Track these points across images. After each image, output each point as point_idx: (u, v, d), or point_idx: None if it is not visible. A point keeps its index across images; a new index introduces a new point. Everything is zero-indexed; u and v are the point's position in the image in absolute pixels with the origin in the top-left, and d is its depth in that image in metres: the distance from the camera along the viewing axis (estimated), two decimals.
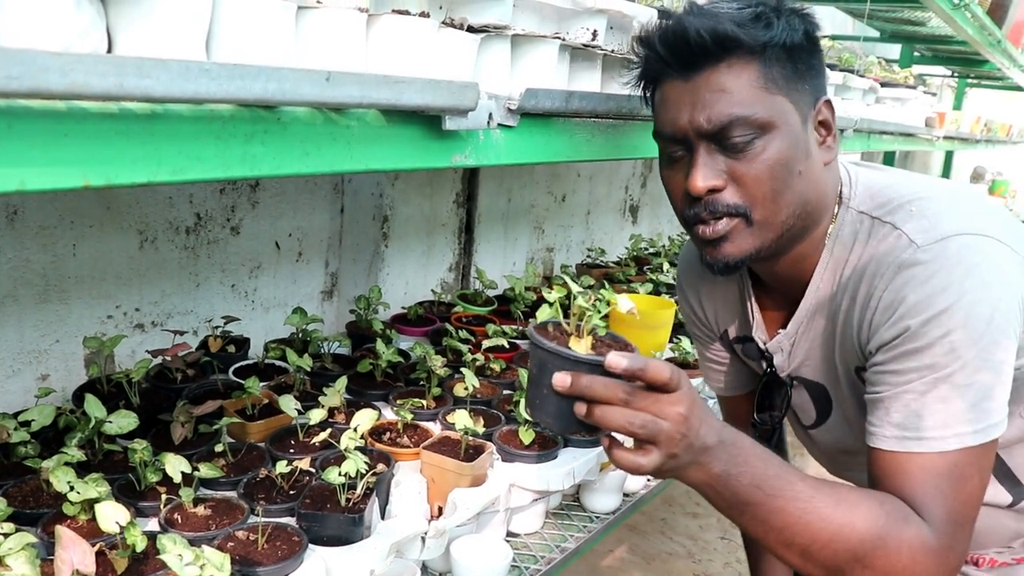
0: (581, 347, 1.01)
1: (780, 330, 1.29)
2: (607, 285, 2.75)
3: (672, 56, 1.12)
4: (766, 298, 1.35)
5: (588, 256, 3.43)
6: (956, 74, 8.64)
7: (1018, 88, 8.82)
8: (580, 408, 0.97)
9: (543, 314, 1.10)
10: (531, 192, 3.37)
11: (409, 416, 1.68)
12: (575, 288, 1.08)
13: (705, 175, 1.11)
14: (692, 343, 1.60)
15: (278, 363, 1.98)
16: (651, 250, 3.70)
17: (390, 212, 2.67)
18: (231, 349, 1.99)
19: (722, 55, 1.09)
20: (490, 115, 1.19)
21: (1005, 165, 12.03)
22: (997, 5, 5.23)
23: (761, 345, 1.34)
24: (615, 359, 0.94)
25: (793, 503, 1.00)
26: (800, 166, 1.12)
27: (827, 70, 1.20)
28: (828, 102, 1.17)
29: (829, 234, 1.20)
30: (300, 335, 2.09)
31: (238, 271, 2.42)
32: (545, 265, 3.64)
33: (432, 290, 2.75)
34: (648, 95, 1.22)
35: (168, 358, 1.81)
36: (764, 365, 1.36)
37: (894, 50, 7.20)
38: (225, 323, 2.05)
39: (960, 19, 4.12)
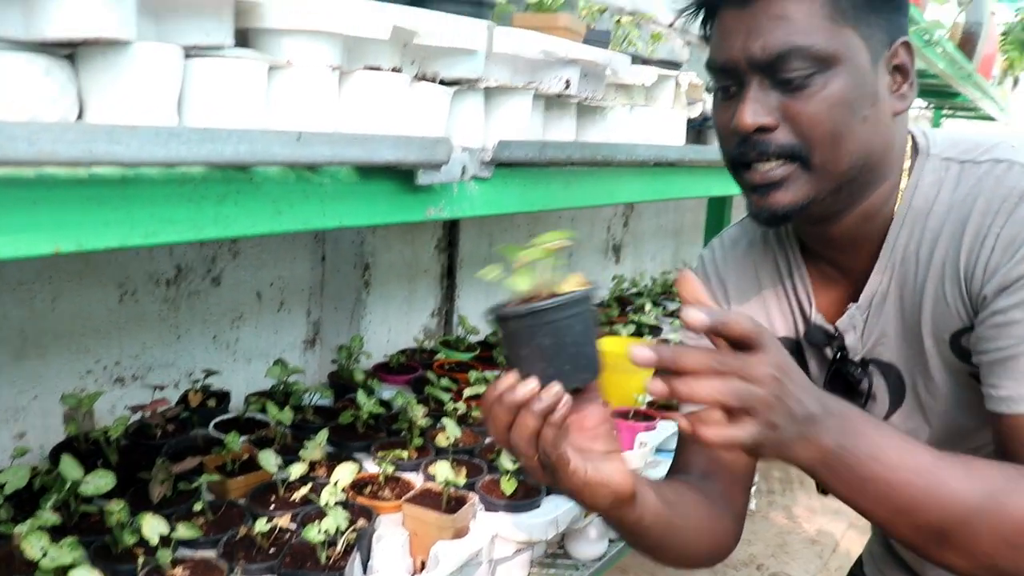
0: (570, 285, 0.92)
1: (851, 304, 1.12)
2: None
3: None
4: (818, 274, 1.18)
5: None
6: (931, 105, 8.77)
7: (991, 118, 8.96)
8: (657, 386, 0.82)
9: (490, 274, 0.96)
10: (513, 235, 3.38)
11: (390, 469, 1.67)
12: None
13: (755, 111, 0.98)
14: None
15: (259, 416, 1.97)
16: (634, 290, 3.71)
17: (371, 259, 2.67)
18: (211, 403, 1.98)
19: None
20: (463, 168, 1.19)
21: None
22: (966, 39, 5.33)
23: (827, 326, 1.16)
24: (695, 315, 0.82)
25: (919, 476, 0.87)
26: (866, 110, 0.99)
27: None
28: (907, 44, 1.03)
29: (906, 187, 1.07)
30: (282, 387, 2.08)
31: (219, 322, 2.41)
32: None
33: (415, 337, 2.75)
34: (706, 26, 1.08)
35: (147, 414, 1.79)
36: (831, 352, 1.17)
37: None
38: (205, 376, 2.03)
39: (931, 54, 4.19)
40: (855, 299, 1.12)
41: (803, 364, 1.21)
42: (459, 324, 2.72)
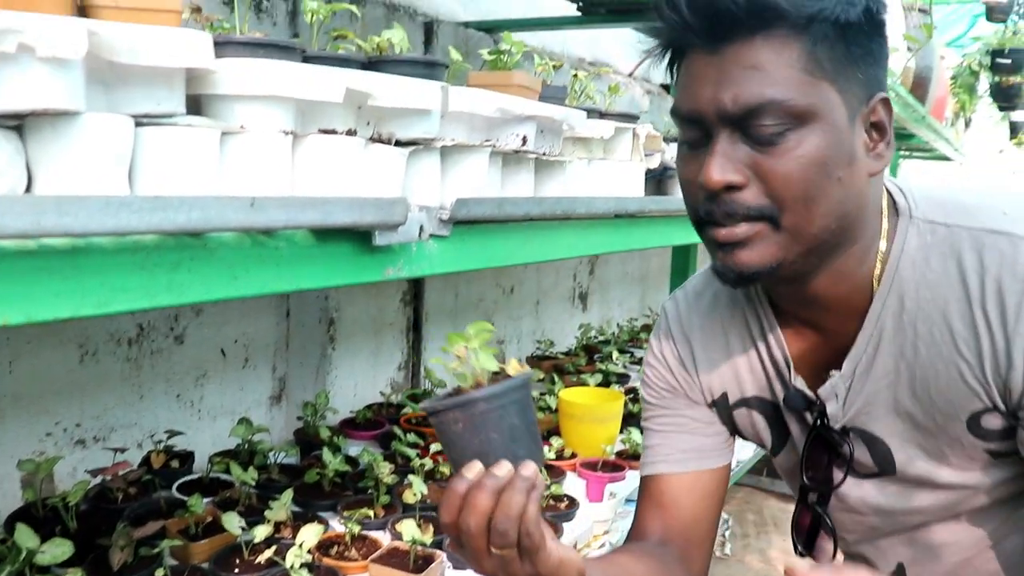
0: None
1: (834, 371, 1.06)
2: (556, 379, 2.75)
3: (700, 23, 0.91)
4: (793, 335, 1.12)
5: (537, 348, 3.43)
6: None
7: (946, 158, 9.17)
8: None
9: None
10: (479, 286, 3.39)
11: (356, 528, 1.65)
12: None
13: (723, 167, 0.91)
14: (645, 408, 1.30)
15: (224, 476, 1.94)
16: (601, 338, 3.72)
17: (336, 315, 2.67)
18: (175, 464, 1.95)
19: (759, 26, 0.89)
20: (421, 227, 1.20)
21: None
22: (918, 84, 5.46)
23: (808, 392, 1.10)
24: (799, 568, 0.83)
25: None
26: (841, 171, 0.92)
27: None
28: (886, 100, 0.96)
29: (887, 251, 1.00)
30: (246, 446, 2.05)
31: (183, 380, 2.38)
32: (496, 358, 3.63)
33: (380, 392, 2.73)
34: (673, 67, 1.00)
35: (108, 478, 1.76)
36: (811, 417, 1.12)
37: None
38: (168, 437, 2.00)
39: None
40: (837, 365, 1.06)
41: (782, 423, 1.18)
42: (426, 377, 2.71)
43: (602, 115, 1.86)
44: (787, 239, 0.93)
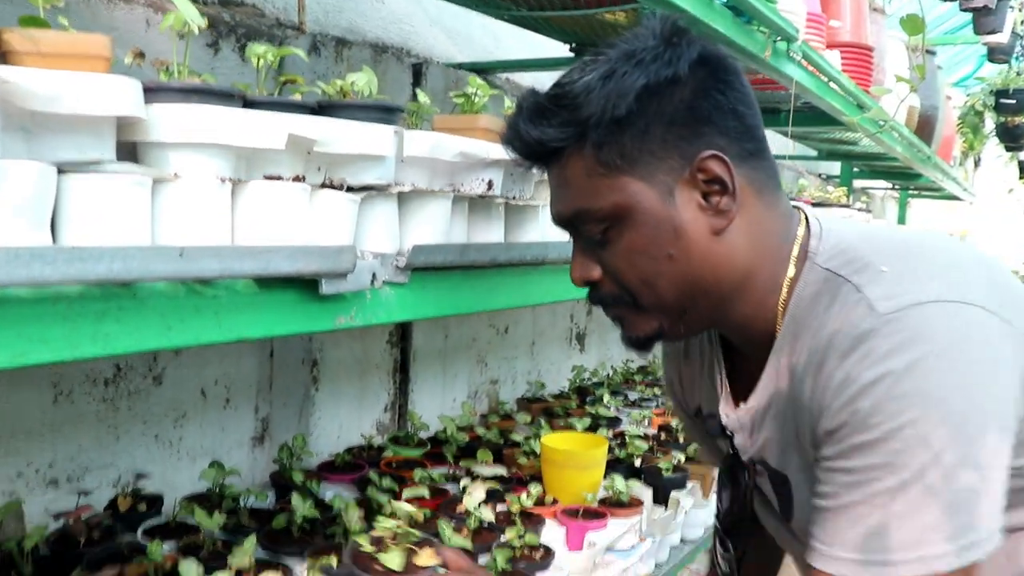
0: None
1: (742, 404, 1.10)
2: (543, 423, 2.71)
3: (520, 158, 1.07)
4: (731, 365, 1.18)
5: (528, 390, 3.39)
6: (897, 187, 8.92)
7: (956, 198, 9.12)
8: None
9: None
10: (471, 327, 3.36)
11: None
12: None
13: (581, 266, 1.04)
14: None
15: (191, 520, 1.90)
16: (594, 380, 3.67)
17: (319, 355, 2.64)
18: (142, 507, 1.91)
19: (549, 157, 1.02)
20: (373, 275, 1.18)
21: None
22: (924, 123, 5.44)
23: (724, 420, 1.15)
24: None
25: None
26: (668, 249, 0.98)
27: (736, 107, 1.01)
28: (716, 156, 0.97)
29: (793, 295, 1.02)
30: (218, 489, 2.02)
31: (161, 421, 2.35)
32: (490, 398, 3.59)
33: (361, 434, 2.69)
34: None
35: (71, 521, 1.73)
36: (727, 445, 1.17)
37: (834, 167, 7.43)
38: (136, 480, 1.97)
39: (888, 139, 4.27)
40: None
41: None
42: (409, 420, 2.68)
43: None
44: (653, 313, 1.03)
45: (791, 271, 1.03)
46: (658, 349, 1.20)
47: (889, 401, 0.85)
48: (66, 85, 0.82)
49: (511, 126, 1.04)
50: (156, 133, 0.95)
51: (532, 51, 3.35)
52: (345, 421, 2.79)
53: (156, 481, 2.25)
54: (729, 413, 1.15)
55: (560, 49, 2.96)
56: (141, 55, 1.06)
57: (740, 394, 1.14)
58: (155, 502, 1.97)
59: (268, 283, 1.06)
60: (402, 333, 2.95)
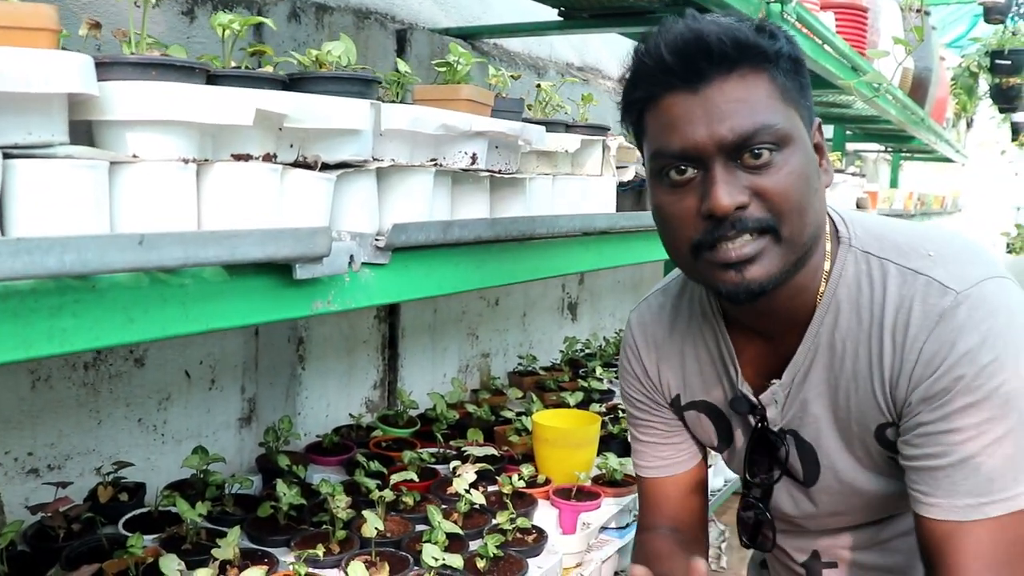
0: None
1: (775, 380, 1.18)
2: (534, 398, 2.66)
3: (683, 66, 1.01)
4: (743, 345, 1.24)
5: (519, 364, 3.33)
6: (889, 149, 8.86)
7: (948, 159, 9.06)
8: None
9: None
10: (461, 300, 3.30)
11: (303, 570, 1.55)
12: None
13: (730, 192, 1.00)
14: (628, 415, 1.44)
15: (174, 509, 1.85)
16: (586, 352, 3.62)
17: (305, 333, 2.58)
18: (123, 497, 1.85)
19: (734, 65, 1.01)
20: (351, 257, 1.11)
21: None
22: (917, 85, 5.37)
23: (752, 397, 1.22)
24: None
25: None
26: (816, 183, 1.06)
27: None
28: (820, 124, 1.11)
29: (830, 273, 1.12)
30: (202, 475, 1.96)
31: (145, 404, 2.29)
32: (481, 371, 3.54)
33: (350, 414, 2.64)
34: (633, 120, 1.11)
35: (48, 514, 1.67)
36: (754, 420, 1.24)
37: (828, 130, 7.35)
38: (116, 469, 1.91)
39: (882, 102, 4.20)
40: (779, 375, 1.18)
41: (727, 427, 1.30)
42: (398, 398, 2.62)
43: (568, 127, 1.77)
44: (786, 249, 1.03)
45: (828, 246, 1.13)
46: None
47: (987, 365, 0.98)
48: (5, 61, 0.75)
49: (699, 23, 1.02)
50: (111, 111, 0.88)
51: (521, 15, 3.26)
52: (333, 399, 2.74)
53: (140, 466, 2.19)
54: (749, 390, 1.22)
55: (548, 13, 2.87)
56: (97, 26, 0.98)
57: (753, 373, 1.23)
58: (137, 491, 1.91)
59: (239, 269, 1.00)
60: (390, 309, 2.88)
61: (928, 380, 1.02)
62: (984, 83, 7.26)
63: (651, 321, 1.35)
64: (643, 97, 1.07)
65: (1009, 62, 6.36)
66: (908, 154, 9.22)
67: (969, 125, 9.47)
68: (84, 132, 0.93)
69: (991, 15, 5.90)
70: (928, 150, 7.70)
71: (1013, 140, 9.82)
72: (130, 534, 1.64)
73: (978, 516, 0.99)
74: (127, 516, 1.81)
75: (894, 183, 9.53)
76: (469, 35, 3.11)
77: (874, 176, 9.83)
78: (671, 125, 1.04)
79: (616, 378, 3.23)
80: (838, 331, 1.11)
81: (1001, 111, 7.87)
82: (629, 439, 1.46)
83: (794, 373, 1.16)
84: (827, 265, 1.12)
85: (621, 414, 2.62)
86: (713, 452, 1.42)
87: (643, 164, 1.17)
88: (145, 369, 2.27)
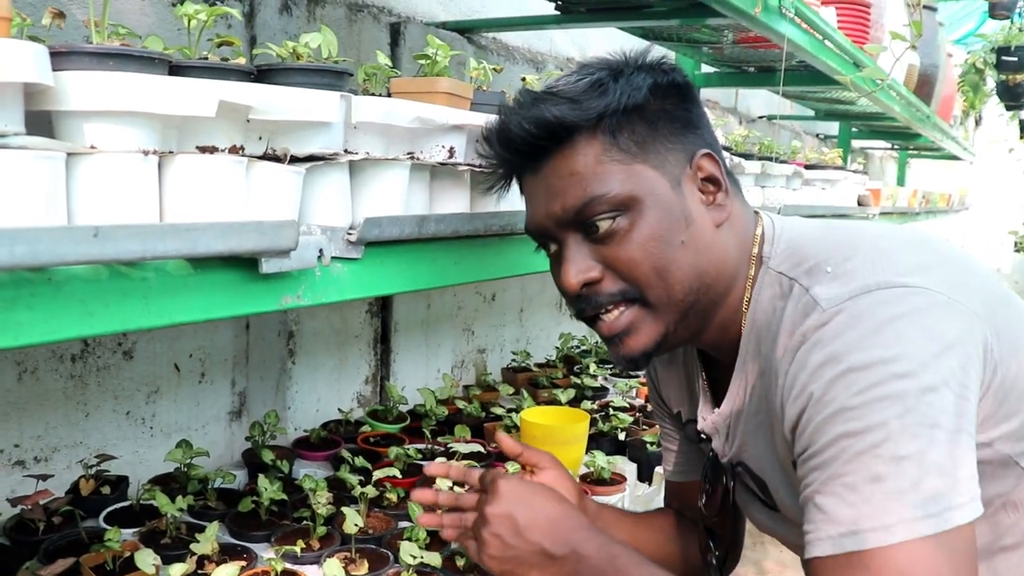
0: None
1: (716, 409, 1.15)
2: (526, 394, 2.64)
3: (511, 154, 1.05)
4: (709, 373, 1.21)
5: (513, 360, 3.32)
6: (896, 147, 8.81)
7: (956, 157, 9.00)
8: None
9: None
10: (457, 295, 3.28)
11: (280, 567, 1.54)
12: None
13: (577, 269, 1.01)
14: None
15: (156, 504, 1.84)
16: (582, 348, 3.60)
17: (295, 327, 2.57)
18: (106, 490, 1.84)
19: (561, 138, 1.00)
20: (321, 251, 1.10)
21: (950, 233, 12.21)
22: (923, 82, 5.32)
23: (700, 424, 1.19)
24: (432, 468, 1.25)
25: None
26: (681, 236, 1.00)
27: (707, 121, 1.11)
28: (709, 155, 1.05)
29: (748, 299, 1.07)
30: (185, 469, 1.95)
31: (133, 397, 2.29)
32: (477, 367, 3.53)
33: (339, 408, 2.63)
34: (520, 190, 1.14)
35: (27, 507, 1.66)
36: (708, 448, 1.22)
37: (832, 126, 7.30)
38: (99, 462, 1.90)
39: (886, 99, 4.16)
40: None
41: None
42: (388, 393, 2.61)
43: None
44: (659, 313, 1.01)
45: (751, 270, 1.07)
46: None
47: (837, 380, 0.87)
48: None
49: (510, 113, 1.03)
50: (68, 102, 0.87)
51: (519, 9, 3.24)
52: (324, 394, 2.73)
53: (128, 459, 2.19)
54: (706, 418, 1.18)
55: (546, 7, 2.85)
56: (60, 15, 0.97)
57: (711, 401, 1.20)
58: (119, 484, 1.90)
59: (204, 263, 0.99)
60: (383, 303, 2.87)
61: (791, 408, 0.93)
62: (991, 80, 7.20)
63: None
64: (507, 174, 1.13)
65: (1015, 59, 6.30)
66: (915, 152, 9.17)
67: (978, 123, 9.42)
68: (45, 123, 0.92)
69: (996, 11, 5.85)
70: (935, 148, 7.65)
71: (1021, 138, 9.75)
72: (109, 528, 1.64)
73: (839, 550, 0.84)
74: (108, 509, 1.80)
75: (900, 181, 9.48)
76: (466, 29, 3.09)
77: (880, 174, 9.79)
78: (527, 204, 1.09)
79: (611, 375, 3.22)
80: (761, 359, 1.04)
81: (1008, 108, 7.80)
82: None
83: (731, 404, 1.12)
84: (748, 294, 1.07)
85: (612, 412, 2.60)
86: None
87: None
88: (134, 362, 2.26)
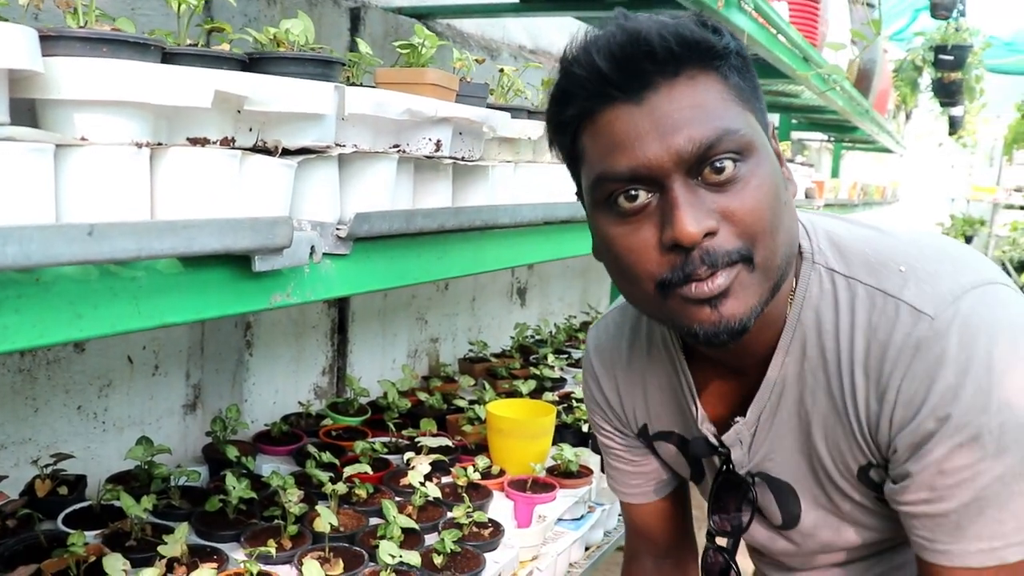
0: None
1: (739, 418, 1.06)
2: (487, 386, 2.62)
3: (622, 73, 0.86)
4: (704, 381, 1.12)
5: (470, 350, 3.29)
6: (832, 139, 8.98)
7: (888, 150, 9.22)
8: None
9: None
10: (410, 285, 3.24)
11: (255, 568, 1.50)
12: None
13: (696, 216, 0.85)
14: (598, 441, 1.34)
15: (118, 503, 1.77)
16: (537, 338, 3.59)
17: (253, 318, 2.50)
18: (63, 491, 1.77)
19: (680, 66, 0.86)
20: (312, 248, 1.06)
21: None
22: (862, 76, 5.43)
23: (712, 439, 1.11)
24: None
25: None
26: (784, 195, 0.92)
27: None
28: (775, 130, 0.98)
29: (793, 294, 0.98)
30: (146, 467, 1.89)
31: (85, 391, 2.20)
32: (430, 356, 3.49)
33: (299, 401, 2.57)
34: (566, 144, 0.97)
35: None
36: (718, 461, 1.13)
37: (774, 118, 7.40)
38: (56, 461, 1.83)
39: (831, 93, 4.23)
40: (743, 412, 1.06)
41: (698, 460, 1.20)
42: (348, 386, 2.56)
43: (530, 113, 1.72)
44: (760, 277, 0.89)
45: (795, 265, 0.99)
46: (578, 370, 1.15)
47: (973, 399, 0.85)
48: None
49: (639, 25, 0.87)
50: (57, 90, 0.81)
51: None
52: (281, 386, 2.67)
53: (80, 456, 2.11)
54: (712, 429, 1.11)
55: None
56: None
57: (715, 409, 1.12)
58: (77, 484, 1.83)
59: (194, 261, 0.94)
60: None
61: (912, 424, 0.89)
62: (927, 77, 7.38)
63: (609, 347, 1.25)
64: (577, 115, 0.92)
65: (952, 57, 6.47)
66: (850, 144, 9.36)
67: (908, 117, 9.64)
68: (27, 111, 0.86)
69: (938, 11, 5.99)
70: (870, 140, 7.82)
71: (951, 134, 10.02)
72: (71, 531, 1.57)
73: (993, 562, 0.88)
74: (67, 511, 1.73)
75: (835, 172, 9.67)
76: (423, 15, 3.04)
77: (817, 164, 9.97)
78: (615, 144, 0.88)
79: (569, 366, 3.21)
80: (807, 362, 0.99)
81: (942, 105, 8.01)
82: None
83: (760, 409, 1.04)
84: (792, 284, 0.99)
85: (575, 403, 2.60)
86: None
87: (578, 195, 1.02)
88: (85, 355, 2.18)
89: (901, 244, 0.97)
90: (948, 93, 6.92)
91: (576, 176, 1.00)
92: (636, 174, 0.87)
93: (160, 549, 1.54)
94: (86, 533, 1.56)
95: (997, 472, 0.85)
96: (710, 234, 0.86)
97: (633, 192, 0.88)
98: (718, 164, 0.86)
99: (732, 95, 0.89)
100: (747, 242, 0.87)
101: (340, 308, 2.83)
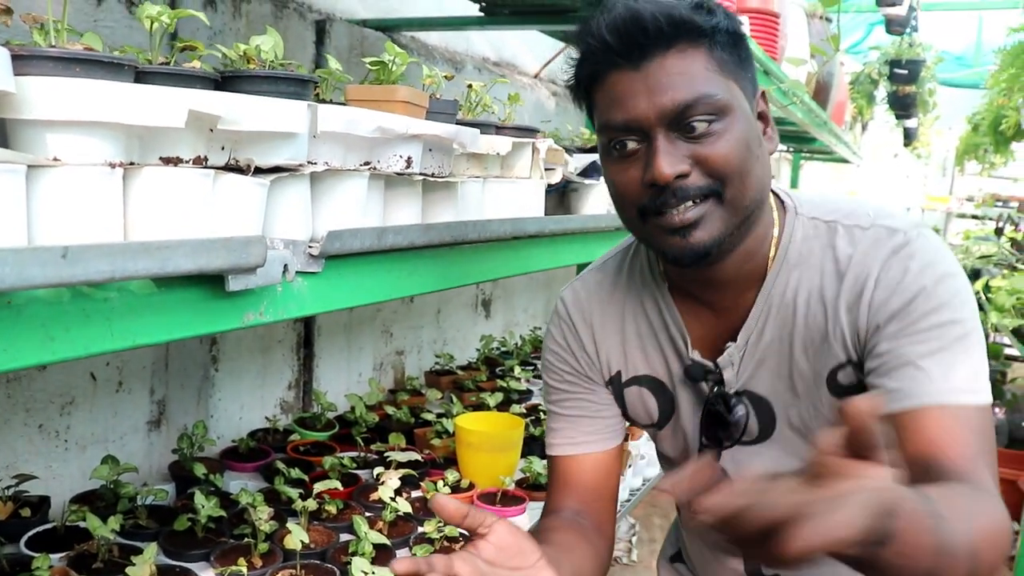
0: None
1: (730, 343, 1.23)
2: (454, 399, 2.62)
3: (623, 44, 1.08)
4: (690, 314, 1.29)
5: (436, 363, 3.29)
6: (791, 150, 9.11)
7: (845, 161, 9.37)
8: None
9: None
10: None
11: None
12: None
13: (671, 161, 1.07)
14: (549, 391, 1.43)
15: (83, 524, 1.75)
16: (503, 350, 3.59)
17: (219, 333, 2.48)
18: (25, 512, 1.74)
19: (672, 41, 1.08)
20: (285, 267, 1.06)
21: None
22: (820, 89, 5.51)
23: (708, 363, 1.27)
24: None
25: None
26: (756, 150, 1.12)
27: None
28: (764, 94, 1.18)
29: (779, 239, 1.20)
30: (112, 486, 1.86)
31: (46, 409, 2.17)
32: (396, 369, 3.48)
33: (266, 416, 2.55)
34: (583, 95, 1.19)
35: None
36: (707, 386, 1.28)
37: None
38: (18, 483, 1.80)
39: (792, 107, 4.29)
40: (732, 338, 1.23)
41: (670, 400, 1.33)
42: (315, 400, 2.55)
43: (499, 129, 1.74)
44: (729, 211, 1.10)
45: (775, 214, 1.21)
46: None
47: (941, 280, 1.09)
48: None
49: (639, 6, 1.07)
50: (30, 110, 0.81)
51: (439, 9, 3.21)
52: (247, 401, 2.65)
53: (42, 476, 2.07)
54: (703, 354, 1.26)
55: (469, 7, 2.83)
56: (7, 11, 0.90)
57: (701, 340, 1.28)
58: (41, 505, 1.80)
59: (168, 282, 0.94)
60: None
61: (891, 298, 1.09)
62: (883, 89, 7.51)
63: (587, 298, 1.38)
64: (589, 74, 1.15)
65: (906, 71, 6.60)
66: (808, 154, 9.49)
67: (864, 129, 9.80)
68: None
69: (892, 26, 6.10)
70: (828, 151, 7.93)
71: (906, 145, 10.20)
72: (34, 554, 1.55)
73: (971, 401, 1.05)
74: (30, 534, 1.69)
75: (794, 183, 9.80)
76: (387, 28, 3.04)
77: (777, 176, 10.09)
78: (615, 100, 1.11)
79: (535, 378, 3.22)
80: (789, 289, 1.18)
81: (897, 117, 8.16)
82: (545, 415, 1.46)
83: (748, 335, 1.22)
84: (775, 232, 1.20)
85: (542, 416, 2.60)
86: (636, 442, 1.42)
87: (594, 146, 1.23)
88: (47, 372, 2.15)
89: (863, 203, 1.21)
90: (903, 106, 7.06)
91: (592, 121, 1.21)
92: (628, 126, 1.10)
93: (128, 571, 1.52)
94: (51, 556, 1.53)
95: (958, 333, 1.07)
96: (683, 176, 1.08)
97: (626, 140, 1.11)
98: (694, 122, 1.07)
99: (715, 66, 1.09)
100: (716, 181, 1.08)
101: (306, 322, 2.81)
